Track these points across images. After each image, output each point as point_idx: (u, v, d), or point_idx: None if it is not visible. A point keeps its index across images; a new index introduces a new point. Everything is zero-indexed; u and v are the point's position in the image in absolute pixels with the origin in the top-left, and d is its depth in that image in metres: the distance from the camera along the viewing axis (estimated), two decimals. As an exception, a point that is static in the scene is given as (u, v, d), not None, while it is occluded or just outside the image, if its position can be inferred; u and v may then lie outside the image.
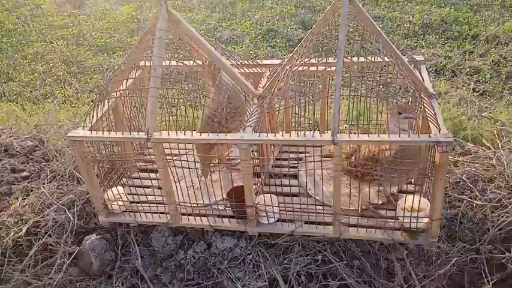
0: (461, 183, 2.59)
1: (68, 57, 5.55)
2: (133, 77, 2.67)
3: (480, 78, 4.49)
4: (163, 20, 2.28)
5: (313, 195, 2.49)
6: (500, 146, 2.77)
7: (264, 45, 5.39)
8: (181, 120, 3.11)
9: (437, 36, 5.22)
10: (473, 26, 5.31)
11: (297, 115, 2.45)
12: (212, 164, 2.66)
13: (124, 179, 2.77)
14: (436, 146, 1.95)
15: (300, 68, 2.26)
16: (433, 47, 5.04)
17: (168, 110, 2.86)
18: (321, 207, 2.37)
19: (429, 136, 1.97)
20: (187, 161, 2.25)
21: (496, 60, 4.70)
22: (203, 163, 2.54)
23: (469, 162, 2.70)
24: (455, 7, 5.71)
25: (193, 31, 2.36)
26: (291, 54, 2.40)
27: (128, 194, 2.59)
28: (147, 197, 2.54)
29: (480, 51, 4.86)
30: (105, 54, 5.56)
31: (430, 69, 4.61)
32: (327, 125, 2.91)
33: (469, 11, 5.62)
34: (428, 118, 2.08)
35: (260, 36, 5.59)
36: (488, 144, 2.77)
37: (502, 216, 2.33)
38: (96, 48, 5.74)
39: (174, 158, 2.27)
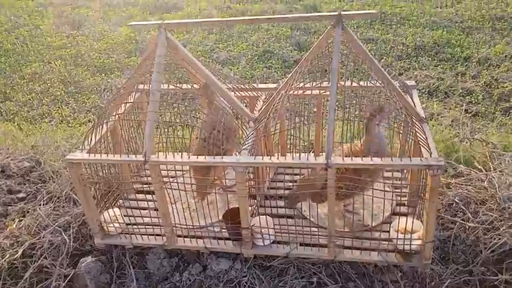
0: (454, 205, 2.63)
1: (65, 77, 5.62)
2: (131, 100, 2.72)
3: (472, 99, 4.59)
4: (162, 47, 2.35)
5: (308, 217, 2.53)
6: (492, 169, 2.83)
7: (260, 66, 5.49)
8: (177, 142, 3.17)
9: (430, 58, 5.34)
10: (465, 48, 5.45)
11: (292, 137, 2.51)
12: (208, 187, 2.69)
13: (120, 201, 2.80)
14: (427, 170, 2.01)
15: (295, 92, 2.33)
16: (426, 69, 5.15)
17: (165, 130, 2.91)
18: (316, 229, 2.40)
19: (421, 160, 2.03)
20: (184, 183, 2.29)
21: (488, 82, 4.81)
22: (199, 186, 2.57)
23: (462, 185, 2.75)
24: (448, 30, 5.86)
25: (190, 56, 2.43)
26: (286, 79, 2.47)
27: (124, 216, 2.61)
28: (143, 218, 2.57)
29: (472, 73, 4.98)
30: (103, 75, 5.64)
31: (423, 91, 4.71)
32: (321, 146, 2.97)
33: (461, 33, 5.77)
34: (420, 142, 2.14)
35: (256, 58, 5.70)
36: (480, 167, 2.83)
37: (494, 238, 2.37)
38: (94, 69, 5.83)
39: (171, 179, 2.31)
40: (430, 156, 2.06)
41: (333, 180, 2.10)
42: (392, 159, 2.05)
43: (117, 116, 2.60)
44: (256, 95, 2.78)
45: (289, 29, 6.32)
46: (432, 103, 4.49)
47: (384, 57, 5.35)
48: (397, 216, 2.45)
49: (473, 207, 2.56)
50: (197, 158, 2.23)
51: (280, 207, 2.58)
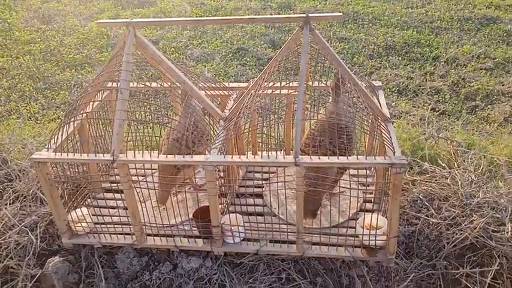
0: (418, 201, 2.73)
1: (34, 72, 5.49)
2: (99, 99, 2.70)
3: (440, 98, 4.73)
4: (131, 45, 2.34)
5: (278, 214, 2.57)
6: (455, 166, 2.94)
7: (234, 63, 5.50)
8: (149, 139, 3.16)
9: (400, 58, 5.47)
10: (434, 48, 5.60)
11: (264, 135, 2.54)
12: (175, 189, 2.69)
13: (89, 200, 2.77)
14: (391, 168, 2.08)
15: (265, 91, 2.37)
16: (396, 68, 5.27)
17: (136, 127, 2.89)
18: (285, 226, 2.45)
19: (384, 158, 2.10)
20: (153, 182, 2.29)
21: (455, 81, 4.97)
22: (163, 188, 2.56)
23: (426, 182, 2.85)
24: (418, 30, 6.00)
25: (159, 55, 2.43)
26: (256, 79, 2.50)
27: (93, 215, 2.59)
28: (112, 217, 2.55)
29: (440, 73, 5.13)
30: (73, 70, 5.53)
31: (393, 90, 4.82)
32: (291, 145, 3.02)
33: (431, 33, 5.93)
34: (385, 141, 2.21)
35: (230, 55, 5.71)
36: (443, 164, 2.94)
37: (456, 234, 2.47)
38: (63, 64, 5.70)
39: (141, 178, 2.31)
40: (394, 154, 2.13)
41: (301, 178, 2.15)
42: (358, 158, 2.11)
43: (85, 114, 2.57)
44: (227, 93, 2.80)
45: (263, 27, 6.35)
46: (401, 102, 4.61)
47: (356, 56, 5.45)
48: (363, 213, 2.53)
49: (437, 204, 2.66)
50: (166, 157, 2.24)
51: (251, 205, 2.62)
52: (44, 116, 4.68)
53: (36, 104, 4.89)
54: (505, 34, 5.82)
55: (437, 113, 4.50)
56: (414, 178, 2.91)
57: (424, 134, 3.44)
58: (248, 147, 3.10)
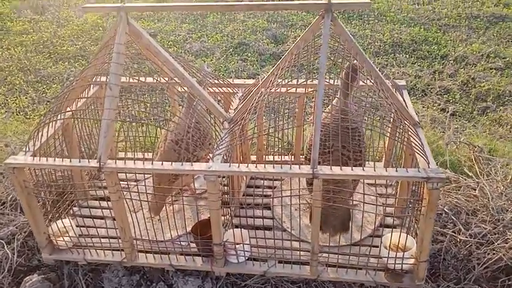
0: (443, 215, 2.37)
1: (25, 65, 5.06)
2: (89, 94, 2.31)
3: (450, 98, 4.39)
4: (123, 34, 1.95)
5: (290, 230, 2.20)
6: (478, 173, 2.59)
7: (235, 58, 5.11)
8: (143, 139, 2.78)
9: (407, 56, 5.11)
10: (442, 46, 5.24)
11: (271, 137, 2.18)
12: (171, 197, 2.31)
13: (74, 209, 2.39)
14: (426, 182, 1.72)
15: (277, 90, 1.99)
16: (403, 66, 4.91)
17: (128, 125, 2.50)
18: (297, 244, 2.09)
19: (418, 171, 1.74)
20: (147, 189, 1.92)
21: (465, 81, 4.62)
22: (158, 198, 2.18)
23: (451, 192, 2.49)
24: (425, 27, 5.64)
25: (155, 45, 2.04)
26: (266, 75, 2.12)
27: (77, 227, 2.22)
28: (100, 230, 2.18)
29: (449, 72, 4.77)
30: (66, 63, 5.11)
31: (402, 88, 4.46)
32: (302, 147, 2.65)
33: (438, 31, 5.56)
34: (415, 150, 1.85)
35: (231, 50, 5.31)
36: (469, 173, 2.58)
37: (488, 253, 2.12)
38: (56, 56, 5.28)
39: (132, 184, 1.93)
40: (428, 166, 1.77)
41: (320, 193, 1.78)
42: (386, 170, 1.75)
43: (71, 112, 2.19)
44: (231, 91, 2.42)
45: (265, 21, 5.95)
46: (410, 101, 4.25)
47: (362, 53, 5.08)
48: (386, 229, 2.17)
49: (464, 218, 2.31)
50: (162, 164, 1.86)
51: (257, 217, 2.25)
52: (34, 110, 4.27)
53: (26, 97, 4.47)
54: (514, 33, 5.47)
55: (448, 113, 4.15)
56: (437, 188, 2.55)
57: (443, 138, 3.08)
58: (253, 149, 2.73)
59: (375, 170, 1.74)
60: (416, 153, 1.84)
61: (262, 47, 5.32)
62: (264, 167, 1.82)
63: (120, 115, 2.59)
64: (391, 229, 2.14)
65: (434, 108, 4.26)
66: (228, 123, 2.14)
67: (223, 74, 4.78)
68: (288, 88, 2.10)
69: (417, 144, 1.87)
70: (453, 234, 2.24)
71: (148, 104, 2.50)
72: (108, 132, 1.85)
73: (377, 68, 4.86)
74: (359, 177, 1.74)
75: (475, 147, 2.86)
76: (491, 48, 5.12)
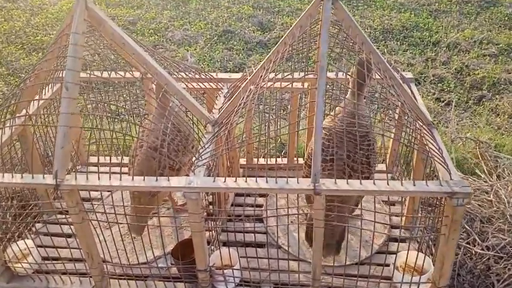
0: (454, 222, 2.06)
1: (-5, 56, 4.57)
2: (49, 94, 1.91)
3: (444, 87, 4.08)
4: (80, 21, 1.55)
5: (284, 246, 1.87)
6: (487, 173, 2.28)
7: (219, 47, 4.70)
8: (116, 141, 2.38)
9: (398, 43, 4.76)
10: (433, 32, 4.91)
11: (261, 135, 1.82)
12: (150, 215, 1.93)
13: (37, 225, 2.00)
14: (449, 198, 1.39)
15: (268, 85, 1.62)
16: (395, 54, 4.57)
17: (99, 124, 2.11)
18: (295, 263, 1.76)
19: (441, 184, 1.41)
20: (115, 213, 1.54)
21: (458, 69, 4.31)
22: (138, 216, 1.81)
23: (460, 195, 2.18)
24: (415, 12, 5.29)
25: (122, 36, 1.64)
26: (255, 70, 1.75)
27: (40, 247, 1.84)
28: (67, 251, 1.80)
29: (442, 59, 4.45)
30: (40, 54, 4.63)
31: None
32: (296, 150, 2.30)
33: (429, 16, 5.22)
34: (434, 157, 1.51)
35: (216, 38, 4.89)
36: (482, 175, 2.26)
37: (509, 269, 1.82)
38: (30, 47, 4.79)
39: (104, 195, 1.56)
40: (450, 177, 1.44)
41: (322, 211, 1.44)
42: (402, 184, 1.41)
43: (26, 116, 1.79)
44: (215, 87, 2.04)
45: (251, 8, 5.52)
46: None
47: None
48: (395, 243, 1.85)
49: (479, 227, 2.00)
50: (133, 179, 1.48)
51: (248, 232, 1.91)
52: (3, 106, 3.82)
53: (-5, 92, 4.01)
54: (506, 18, 5.16)
55: (443, 103, 3.85)
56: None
57: (444, 132, 2.77)
58: (242, 151, 2.37)
59: (388, 184, 1.41)
60: (435, 162, 1.51)
61: (248, 35, 4.91)
62: (256, 180, 1.47)
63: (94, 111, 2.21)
64: (402, 245, 1.82)
65: (429, 98, 3.96)
66: (211, 126, 1.77)
67: (208, 64, 4.37)
68: (283, 83, 1.72)
69: (434, 149, 1.54)
70: (467, 245, 1.93)
71: (122, 98, 2.12)
72: (65, 142, 1.46)
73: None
74: (369, 194, 1.40)
75: (482, 143, 2.54)
76: (483, 34, 4.81)
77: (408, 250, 1.66)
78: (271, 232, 1.94)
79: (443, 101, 3.88)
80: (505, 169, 2.27)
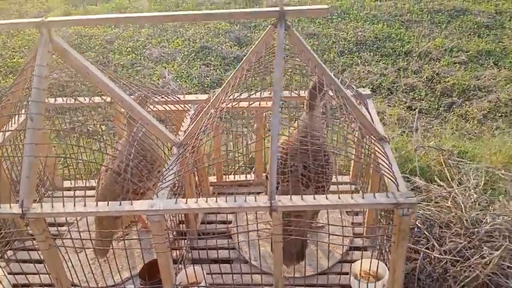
0: (415, 229, 2.18)
1: (-29, 80, 4.62)
2: (16, 125, 1.99)
3: (416, 95, 4.25)
4: (45, 53, 1.64)
5: (252, 261, 1.96)
6: (449, 179, 2.40)
7: (197, 63, 4.81)
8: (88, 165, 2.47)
9: (371, 54, 4.93)
10: (405, 42, 5.10)
11: (230, 152, 1.92)
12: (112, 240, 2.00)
13: (8, 253, 2.06)
14: (396, 209, 1.50)
15: (229, 105, 1.72)
16: (368, 65, 4.74)
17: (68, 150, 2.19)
18: (259, 277, 1.85)
19: (387, 196, 1.52)
20: (81, 238, 1.62)
21: (429, 77, 4.49)
22: (102, 238, 1.88)
23: (421, 203, 2.30)
24: (388, 23, 5.48)
25: (87, 66, 1.74)
26: (217, 93, 1.85)
27: (10, 274, 1.89)
28: (36, 277, 1.87)
29: (414, 68, 4.63)
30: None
31: (367, 87, 4.28)
32: (264, 164, 2.40)
33: (401, 27, 5.42)
34: (383, 171, 1.62)
35: (193, 54, 5.01)
36: (441, 183, 2.39)
37: (465, 271, 1.94)
38: (6, 70, 4.84)
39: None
40: (398, 189, 1.56)
41: (280, 226, 1.54)
42: (352, 197, 1.52)
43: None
44: (183, 108, 2.14)
45: (227, 24, 5.66)
46: (376, 101, 4.08)
47: (326, 53, 4.87)
48: (356, 252, 1.95)
49: (438, 232, 2.12)
50: (97, 205, 1.57)
51: (214, 249, 1.99)
52: (-20, 130, 3.86)
53: (-29, 116, 4.05)
54: (475, 26, 5.38)
55: (414, 111, 4.01)
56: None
57: (411, 142, 2.90)
58: (212, 170, 2.47)
59: (339, 198, 1.51)
60: (384, 175, 1.62)
61: (225, 50, 5.04)
62: (216, 201, 1.56)
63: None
64: (366, 253, 1.92)
65: (401, 106, 4.11)
66: (176, 148, 1.86)
67: (185, 81, 4.48)
68: (247, 103, 1.84)
69: (385, 164, 1.65)
70: (427, 251, 2.05)
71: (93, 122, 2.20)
72: (30, 171, 1.54)
73: (342, 67, 4.68)
74: (322, 208, 1.51)
75: (444, 151, 2.68)
76: (453, 42, 5.01)
77: (370, 258, 1.75)
78: (239, 248, 2.04)
79: (414, 109, 4.03)
80: (464, 175, 2.40)
